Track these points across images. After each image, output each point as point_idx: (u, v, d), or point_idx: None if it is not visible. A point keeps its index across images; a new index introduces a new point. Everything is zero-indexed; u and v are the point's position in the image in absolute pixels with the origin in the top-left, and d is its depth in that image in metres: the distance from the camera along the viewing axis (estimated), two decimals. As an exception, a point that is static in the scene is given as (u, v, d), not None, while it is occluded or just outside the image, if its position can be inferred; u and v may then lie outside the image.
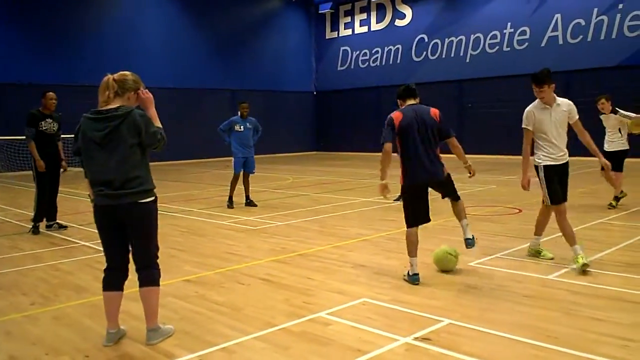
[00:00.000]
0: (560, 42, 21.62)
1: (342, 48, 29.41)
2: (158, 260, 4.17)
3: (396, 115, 5.51)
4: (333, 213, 9.77)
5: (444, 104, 24.28)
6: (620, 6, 20.06)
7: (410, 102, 5.68)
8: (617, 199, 9.41)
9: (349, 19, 29.12)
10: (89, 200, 4.13)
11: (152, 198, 4.02)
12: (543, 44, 22.08)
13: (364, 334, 4.18)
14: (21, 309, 4.96)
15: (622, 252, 6.47)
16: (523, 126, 6.08)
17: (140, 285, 4.06)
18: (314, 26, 30.36)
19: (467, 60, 24.42)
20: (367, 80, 27.89)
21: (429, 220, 5.76)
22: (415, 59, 26.22)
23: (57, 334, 4.34)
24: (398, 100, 5.78)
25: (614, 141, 9.57)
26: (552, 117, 5.91)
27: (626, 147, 9.58)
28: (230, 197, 10.65)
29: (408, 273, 5.53)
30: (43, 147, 8.30)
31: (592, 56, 20.25)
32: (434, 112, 5.63)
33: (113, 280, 4.12)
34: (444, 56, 25.25)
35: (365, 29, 28.45)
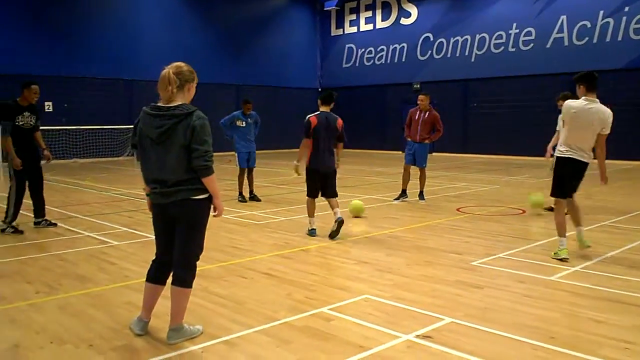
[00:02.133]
0: (566, 43, 21.56)
1: (347, 45, 29.37)
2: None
3: (313, 120, 7.47)
4: (336, 210, 9.78)
5: (449, 103, 24.41)
6: (627, 9, 20.01)
7: (324, 108, 7.63)
8: None
9: (354, 17, 29.07)
10: (145, 193, 4.11)
11: (205, 196, 3.91)
12: (548, 45, 22.02)
13: (366, 330, 4.21)
14: (26, 297, 5.00)
15: (625, 254, 6.48)
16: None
17: (172, 283, 3.99)
18: (320, 23, 30.32)
19: (473, 60, 24.36)
20: (372, 78, 27.86)
21: (317, 196, 7.64)
22: (420, 57, 26.17)
23: (62, 322, 4.38)
24: (319, 101, 7.73)
25: None
26: None
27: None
28: (240, 192, 10.75)
29: (308, 229, 7.65)
30: (19, 143, 7.57)
31: (598, 58, 20.17)
32: (339, 122, 7.73)
33: (157, 274, 4.12)
34: (449, 55, 25.19)
35: (370, 26, 28.40)
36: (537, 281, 5.45)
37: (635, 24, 19.85)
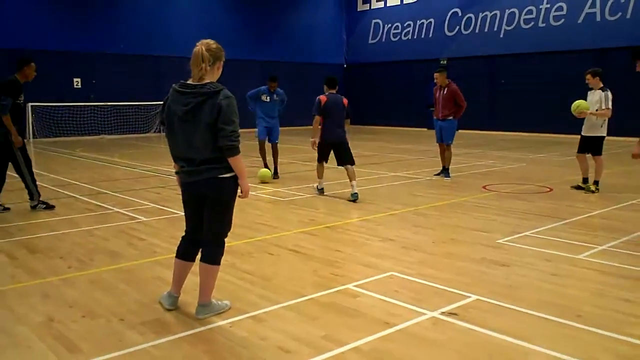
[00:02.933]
0: (598, 18, 20.95)
1: (373, 21, 29.01)
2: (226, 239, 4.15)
3: (323, 98, 8.55)
4: (361, 187, 9.75)
5: (476, 80, 24.05)
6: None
7: (332, 91, 8.66)
8: (596, 182, 9.06)
9: (381, -9, 28.68)
10: (174, 171, 4.16)
11: (232, 174, 3.92)
12: (580, 20, 21.42)
13: (392, 307, 4.24)
14: (59, 272, 5.14)
15: (655, 234, 6.38)
16: None
17: (201, 260, 4.06)
18: (346, -2, 30.01)
19: (501, 36, 23.87)
20: (399, 54, 27.52)
21: (326, 160, 8.89)
22: (447, 33, 25.74)
23: (94, 297, 4.50)
24: (325, 86, 8.73)
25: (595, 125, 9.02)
26: None
27: (604, 133, 9.03)
28: (265, 164, 10.80)
29: (317, 188, 9.07)
30: (17, 121, 7.46)
31: (631, 34, 19.56)
32: (345, 100, 8.70)
33: (185, 251, 4.19)
34: (477, 31, 24.72)
35: (397, 1, 27.96)
36: (564, 259, 5.41)
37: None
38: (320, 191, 9.02)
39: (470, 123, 22.46)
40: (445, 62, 24.94)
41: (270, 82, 10.65)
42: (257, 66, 25.29)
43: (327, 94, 8.64)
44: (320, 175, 8.96)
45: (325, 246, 5.99)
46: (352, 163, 8.64)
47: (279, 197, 8.86)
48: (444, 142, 10.63)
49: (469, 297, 4.42)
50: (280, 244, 6.08)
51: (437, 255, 5.66)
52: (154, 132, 22.41)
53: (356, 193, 8.44)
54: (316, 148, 8.73)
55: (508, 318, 4.04)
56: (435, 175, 10.87)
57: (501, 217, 7.35)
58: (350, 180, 8.52)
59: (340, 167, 8.82)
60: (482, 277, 4.93)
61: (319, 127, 8.61)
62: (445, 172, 10.69)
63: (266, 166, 10.79)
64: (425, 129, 23.45)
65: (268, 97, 10.64)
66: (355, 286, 4.69)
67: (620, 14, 20.33)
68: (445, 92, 10.44)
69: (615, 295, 4.46)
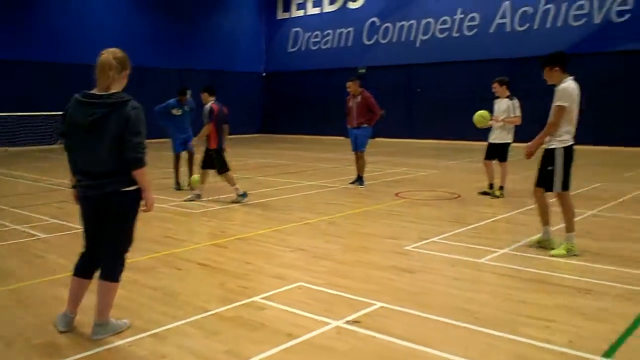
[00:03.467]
0: (508, 29, 22.01)
1: (293, 29, 29.16)
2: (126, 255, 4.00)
3: (215, 107, 8.95)
4: (276, 196, 9.76)
5: (394, 88, 24.64)
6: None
7: (213, 98, 9.09)
8: (501, 188, 9.42)
9: (301, 0, 28.86)
10: (71, 185, 3.98)
11: (135, 187, 3.80)
12: (491, 30, 22.42)
13: (297, 318, 4.22)
14: (-56, 295, 4.78)
15: (552, 236, 6.68)
16: (564, 104, 5.69)
17: (100, 277, 3.89)
18: (265, 6, 29.96)
19: (417, 45, 24.60)
20: (318, 62, 27.77)
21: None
22: (366, 42, 26.25)
23: (-19, 321, 4.21)
24: (205, 94, 9.13)
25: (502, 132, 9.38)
26: None
27: (510, 139, 9.39)
28: (177, 180, 10.53)
29: (237, 195, 9.09)
30: None
31: (539, 44, 20.58)
32: (225, 109, 9.17)
33: (84, 267, 4.00)
34: (394, 40, 25.35)
35: (317, 10, 28.25)
36: (467, 264, 5.59)
37: (575, 10, 20.41)
38: (244, 195, 9.11)
39: (387, 131, 23.01)
40: (364, 70, 25.41)
41: (180, 96, 10.36)
42: (174, 74, 24.76)
43: (215, 101, 9.02)
44: (202, 183, 9.31)
45: (235, 258, 5.91)
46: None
47: (190, 210, 8.67)
48: (358, 149, 10.78)
49: (375, 304, 4.47)
50: (188, 257, 5.93)
51: (347, 264, 5.70)
52: (56, 144, 21.25)
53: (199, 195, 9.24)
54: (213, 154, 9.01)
55: (410, 324, 4.11)
56: (350, 183, 11.00)
57: (411, 223, 7.52)
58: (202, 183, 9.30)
59: (217, 175, 9.24)
60: (389, 284, 5.01)
61: (210, 133, 8.92)
62: (359, 180, 10.83)
63: (177, 181, 10.51)
64: (344, 137, 23.72)
65: (180, 110, 10.39)
66: (262, 298, 4.64)
67: (528, 24, 21.45)
68: (358, 100, 10.61)
69: (513, 297, 4.65)
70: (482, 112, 9.23)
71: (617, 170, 13.11)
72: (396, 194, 9.86)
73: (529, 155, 5.92)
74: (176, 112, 10.37)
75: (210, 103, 9.00)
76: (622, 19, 19.47)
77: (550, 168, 5.79)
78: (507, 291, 4.80)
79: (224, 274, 5.37)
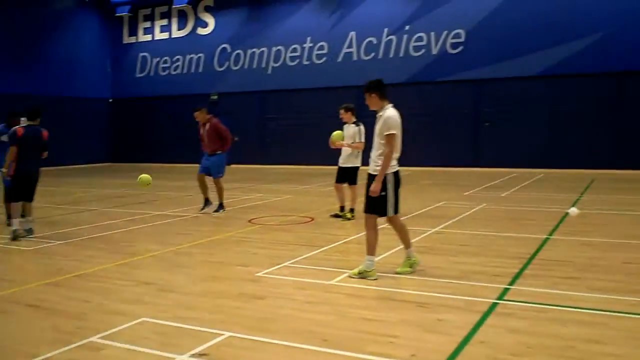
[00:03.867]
0: (355, 58, 23.10)
1: (141, 54, 28.23)
2: None
3: (20, 130, 8.30)
4: (122, 228, 9.24)
5: (247, 114, 24.74)
6: (407, 27, 22.04)
7: (32, 122, 8.47)
8: (352, 210, 9.75)
9: (148, 24, 28.06)
10: None
11: None
12: (340, 59, 23.40)
13: (138, 355, 3.96)
14: None
15: (397, 254, 6.96)
16: (394, 131, 5.78)
17: None
18: (111, 30, 28.73)
19: (269, 72, 24.97)
20: (168, 88, 27.06)
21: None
22: (217, 68, 26.13)
23: None
24: (24, 118, 8.59)
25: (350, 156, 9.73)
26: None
27: (359, 163, 9.71)
28: (9, 215, 9.51)
29: (12, 231, 8.24)
30: None
31: (383, 72, 21.79)
32: (45, 133, 8.59)
33: None
34: (246, 67, 25.52)
35: (166, 35, 27.64)
36: (317, 286, 5.64)
37: (415, 42, 21.96)
38: (16, 233, 8.19)
39: (242, 158, 23.00)
40: (216, 97, 25.24)
41: (11, 119, 9.40)
42: (9, 99, 22.71)
43: (25, 125, 8.43)
44: (18, 214, 8.34)
45: (72, 297, 5.43)
46: (32, 200, 8.58)
47: (22, 247, 7.87)
48: (213, 176, 10.61)
49: (223, 334, 4.32)
50: (17, 299, 5.36)
51: (194, 295, 5.49)
52: None
53: (31, 229, 8.47)
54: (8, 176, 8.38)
55: (259, 352, 4.03)
56: (201, 211, 10.71)
57: (264, 249, 7.47)
58: (30, 215, 8.51)
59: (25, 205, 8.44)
60: (238, 313, 4.89)
61: (14, 157, 8.25)
62: (220, 207, 10.63)
63: (9, 216, 9.48)
64: (197, 165, 23.24)
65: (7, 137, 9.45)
66: (100, 338, 4.29)
67: (373, 54, 22.68)
68: (207, 128, 10.50)
69: (358, 316, 4.74)
70: (337, 133, 9.50)
71: (458, 189, 14.13)
72: (249, 220, 9.78)
73: (375, 193, 5.84)
74: (5, 139, 9.43)
75: (17, 126, 8.46)
76: (456, 51, 21.30)
77: (383, 194, 5.85)
78: (355, 311, 4.89)
79: (57, 314, 4.91)
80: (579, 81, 19.33)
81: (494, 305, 4.94)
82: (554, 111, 19.75)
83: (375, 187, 5.80)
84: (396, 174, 5.95)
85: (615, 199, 12.11)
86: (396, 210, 6.00)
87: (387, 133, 5.76)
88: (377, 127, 5.89)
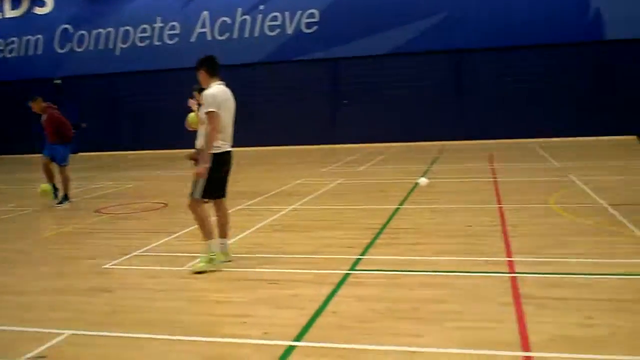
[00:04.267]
0: (209, 38, 22.54)
1: (-30, 35, 25.42)
2: None
3: None
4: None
5: (96, 99, 23.32)
6: (262, 7, 21.88)
7: None
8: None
9: (-23, 4, 25.31)
10: None
11: None
12: (193, 40, 22.73)
13: (-36, 368, 3.57)
14: None
15: (255, 234, 6.96)
16: (213, 109, 5.45)
17: None
18: None
19: (117, 54, 23.66)
20: (4, 73, 24.68)
21: None
22: (59, 50, 24.26)
23: None
24: None
25: None
26: None
27: None
28: None
29: None
30: None
31: (239, 52, 21.55)
32: None
33: None
34: (91, 48, 23.96)
35: (-3, 15, 25.13)
36: (169, 273, 5.46)
37: (270, 21, 21.87)
38: None
39: (91, 145, 21.72)
40: (59, 81, 23.50)
41: None
42: None
43: None
44: None
45: None
46: None
47: None
48: (59, 163, 9.92)
49: (63, 333, 4.03)
50: None
51: (36, 294, 5.06)
52: None
53: None
54: None
55: (107, 347, 3.81)
56: (58, 204, 9.91)
57: (112, 240, 7.10)
58: None
59: None
60: (83, 309, 4.59)
61: None
62: (64, 198, 9.91)
63: None
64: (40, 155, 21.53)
65: None
66: None
67: (227, 34, 22.27)
68: (44, 119, 9.88)
69: (212, 299, 4.68)
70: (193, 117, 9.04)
71: (316, 166, 14.40)
72: (97, 210, 9.23)
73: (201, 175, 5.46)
74: None
75: None
76: (311, 30, 21.55)
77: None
78: (207, 294, 4.81)
79: None
80: (426, 58, 20.51)
81: (346, 276, 5.09)
82: (408, 87, 20.77)
83: (200, 169, 5.41)
84: (222, 155, 5.54)
85: (459, 167, 13.04)
86: (210, 195, 5.59)
87: (206, 111, 5.48)
88: None
